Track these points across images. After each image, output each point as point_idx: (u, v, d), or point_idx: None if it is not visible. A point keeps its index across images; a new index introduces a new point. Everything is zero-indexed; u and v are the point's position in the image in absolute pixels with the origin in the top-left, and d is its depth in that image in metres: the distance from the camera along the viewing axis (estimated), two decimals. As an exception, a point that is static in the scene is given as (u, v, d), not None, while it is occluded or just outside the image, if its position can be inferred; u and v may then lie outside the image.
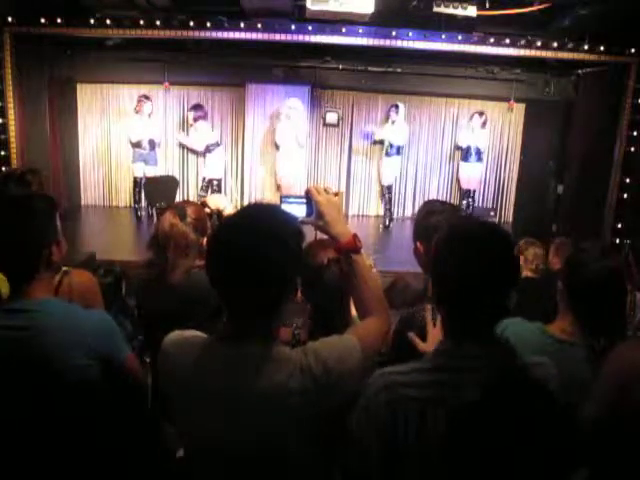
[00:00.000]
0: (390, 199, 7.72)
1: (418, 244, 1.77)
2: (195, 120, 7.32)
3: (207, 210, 2.16)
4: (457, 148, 7.89)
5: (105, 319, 1.56)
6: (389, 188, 7.69)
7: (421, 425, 1.10)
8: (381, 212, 8.08)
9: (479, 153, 7.51)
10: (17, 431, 1.44)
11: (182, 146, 7.79)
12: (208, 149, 7.35)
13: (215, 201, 2.18)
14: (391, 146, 7.45)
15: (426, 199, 8.10)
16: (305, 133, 7.41)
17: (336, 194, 1.37)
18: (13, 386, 1.41)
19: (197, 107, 7.39)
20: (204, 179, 7.51)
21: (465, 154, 7.57)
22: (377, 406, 1.14)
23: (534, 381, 1.12)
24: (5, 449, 1.45)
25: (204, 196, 7.13)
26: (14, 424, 1.44)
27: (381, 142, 7.68)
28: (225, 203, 2.18)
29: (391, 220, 7.65)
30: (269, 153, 7.64)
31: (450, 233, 1.21)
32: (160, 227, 2.06)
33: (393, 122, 7.39)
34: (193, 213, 2.07)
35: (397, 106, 7.35)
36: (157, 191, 6.76)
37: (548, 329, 1.63)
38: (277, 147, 7.39)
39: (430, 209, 1.80)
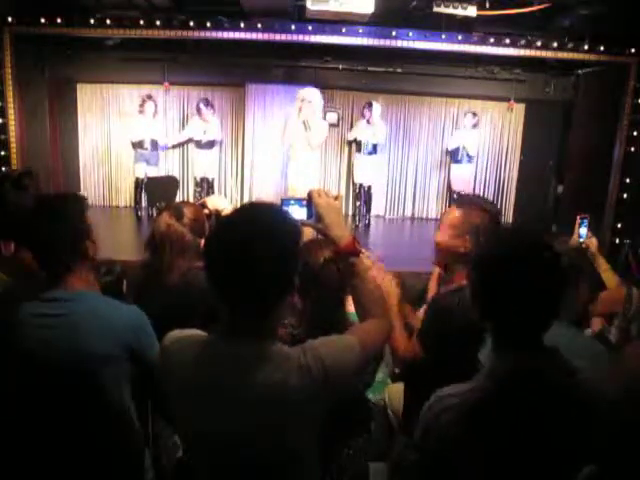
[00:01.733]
0: (367, 199, 7.45)
1: (466, 239, 1.82)
2: (213, 114, 7.32)
3: (206, 211, 2.14)
4: (447, 152, 7.74)
5: (137, 313, 1.60)
6: (369, 188, 7.45)
7: (481, 443, 1.13)
8: (381, 212, 8.07)
9: (469, 154, 7.44)
10: (46, 417, 1.50)
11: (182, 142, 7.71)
12: (200, 144, 7.30)
13: (214, 202, 2.16)
14: (367, 145, 7.29)
15: (425, 200, 8.15)
16: (321, 132, 6.31)
17: (336, 197, 1.38)
18: (46, 371, 1.48)
19: (208, 101, 7.35)
20: (194, 179, 7.52)
21: (456, 155, 7.49)
22: (438, 427, 1.18)
23: (582, 391, 1.15)
24: (33, 435, 1.51)
25: (201, 196, 7.14)
26: (45, 409, 1.50)
27: (355, 141, 7.52)
28: (224, 204, 2.15)
29: (369, 221, 7.46)
30: (273, 155, 7.55)
31: (491, 253, 1.22)
32: (156, 227, 2.04)
33: (368, 121, 7.21)
34: (190, 214, 2.06)
35: (371, 104, 7.17)
36: (157, 191, 6.74)
37: None
38: (288, 148, 6.53)
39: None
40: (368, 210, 7.47)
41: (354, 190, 7.65)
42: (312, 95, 6.17)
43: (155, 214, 7.03)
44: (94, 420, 1.52)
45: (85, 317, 1.48)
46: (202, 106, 7.21)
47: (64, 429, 1.51)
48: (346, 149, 8.02)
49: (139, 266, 2.13)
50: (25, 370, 1.51)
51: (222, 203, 2.15)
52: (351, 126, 7.92)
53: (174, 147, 7.75)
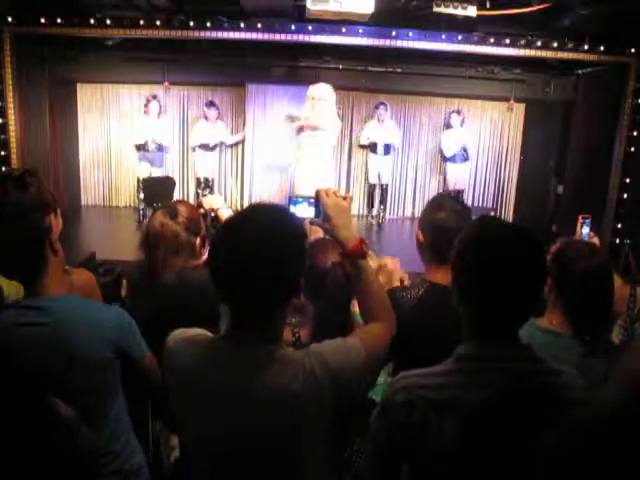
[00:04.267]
0: (382, 199, 7.59)
1: (419, 233, 1.79)
2: (218, 117, 7.34)
3: (201, 210, 2.14)
4: (442, 154, 7.68)
5: (124, 314, 1.59)
6: (385, 187, 7.58)
7: (437, 427, 1.10)
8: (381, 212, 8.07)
9: (464, 152, 7.43)
10: (39, 425, 1.46)
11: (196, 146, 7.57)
12: (208, 146, 7.30)
13: (209, 201, 2.16)
14: (383, 145, 7.35)
15: (425, 199, 8.13)
16: (332, 139, 6.14)
17: (345, 197, 1.37)
18: (38, 380, 1.43)
19: (213, 103, 7.34)
20: (197, 179, 7.51)
21: (451, 155, 7.47)
22: (393, 406, 1.15)
23: (548, 385, 1.11)
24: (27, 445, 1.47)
25: (205, 195, 7.13)
26: (37, 418, 1.46)
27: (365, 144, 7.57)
28: (219, 203, 2.15)
29: (382, 220, 7.58)
30: (274, 156, 7.49)
31: (475, 235, 1.18)
32: (150, 226, 2.02)
33: (382, 121, 7.28)
34: (185, 213, 2.03)
35: (384, 104, 7.27)
36: (154, 191, 6.70)
37: (537, 322, 1.68)
38: (299, 151, 6.19)
39: (440, 203, 1.80)
40: (384, 209, 7.61)
41: (368, 190, 7.70)
42: (326, 93, 5.95)
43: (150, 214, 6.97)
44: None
45: (73, 324, 1.46)
46: (205, 108, 7.24)
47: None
48: (346, 149, 8.02)
49: (134, 266, 2.12)
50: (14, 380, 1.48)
51: (217, 202, 2.15)
52: (351, 126, 7.92)
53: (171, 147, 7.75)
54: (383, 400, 1.19)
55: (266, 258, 1.08)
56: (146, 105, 7.05)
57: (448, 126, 7.57)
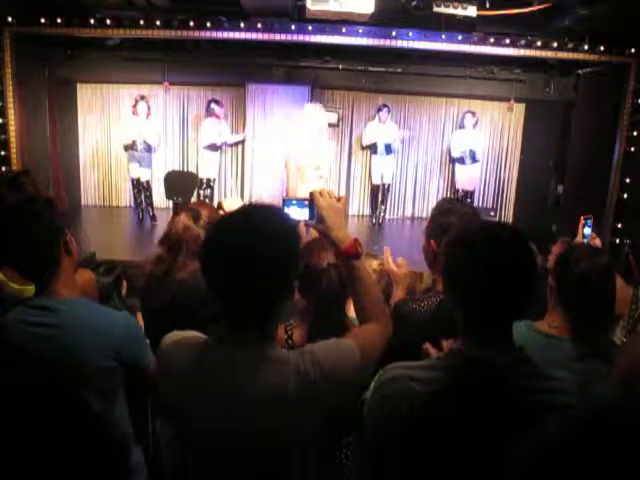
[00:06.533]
0: (383, 198, 7.61)
1: (432, 242, 1.77)
2: (225, 117, 7.35)
3: (221, 212, 2.16)
4: (452, 158, 7.65)
5: (132, 323, 1.58)
6: (388, 187, 7.62)
7: (423, 420, 1.11)
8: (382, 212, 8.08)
9: (474, 154, 7.42)
10: (40, 427, 1.46)
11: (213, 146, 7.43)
12: (215, 146, 7.30)
13: (229, 204, 2.19)
14: (384, 145, 7.41)
15: (425, 200, 8.16)
16: (327, 156, 5.88)
17: (339, 199, 1.37)
18: (38, 383, 1.44)
19: (218, 101, 7.32)
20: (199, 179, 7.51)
21: (461, 156, 7.47)
22: (382, 397, 1.16)
23: (533, 388, 1.11)
24: (28, 445, 1.47)
25: (207, 196, 7.15)
26: (38, 418, 1.46)
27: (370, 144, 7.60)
28: (239, 205, 2.18)
29: (383, 220, 7.63)
30: (274, 155, 7.50)
31: (461, 234, 1.19)
32: (173, 228, 2.06)
33: (384, 122, 7.36)
34: (206, 216, 2.07)
35: (386, 106, 7.35)
36: (176, 185, 6.66)
37: (536, 325, 1.66)
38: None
39: (448, 207, 1.80)
40: (384, 209, 7.63)
41: (371, 191, 7.71)
42: (314, 112, 5.79)
43: (152, 212, 7.01)
44: (79, 437, 1.49)
45: (78, 329, 1.45)
46: (214, 105, 7.20)
47: (44, 448, 1.47)
48: (346, 149, 8.02)
49: (150, 261, 2.13)
50: (10, 378, 1.46)
51: (237, 205, 2.17)
52: (351, 126, 7.93)
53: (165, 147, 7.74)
54: (372, 391, 1.21)
55: (260, 259, 1.07)
56: (134, 106, 7.04)
57: (461, 126, 7.55)
